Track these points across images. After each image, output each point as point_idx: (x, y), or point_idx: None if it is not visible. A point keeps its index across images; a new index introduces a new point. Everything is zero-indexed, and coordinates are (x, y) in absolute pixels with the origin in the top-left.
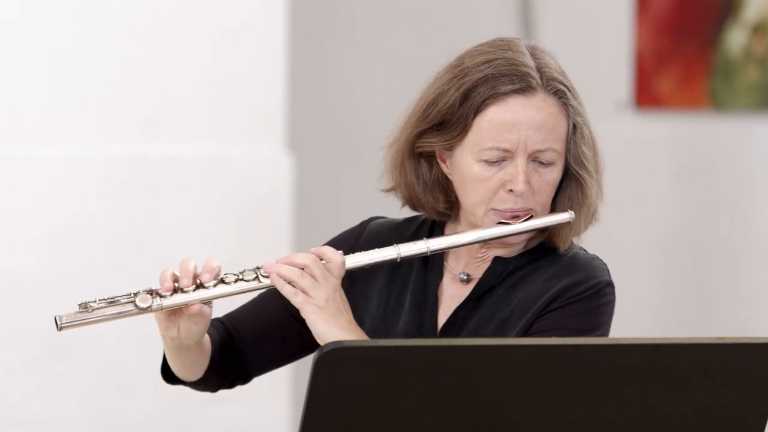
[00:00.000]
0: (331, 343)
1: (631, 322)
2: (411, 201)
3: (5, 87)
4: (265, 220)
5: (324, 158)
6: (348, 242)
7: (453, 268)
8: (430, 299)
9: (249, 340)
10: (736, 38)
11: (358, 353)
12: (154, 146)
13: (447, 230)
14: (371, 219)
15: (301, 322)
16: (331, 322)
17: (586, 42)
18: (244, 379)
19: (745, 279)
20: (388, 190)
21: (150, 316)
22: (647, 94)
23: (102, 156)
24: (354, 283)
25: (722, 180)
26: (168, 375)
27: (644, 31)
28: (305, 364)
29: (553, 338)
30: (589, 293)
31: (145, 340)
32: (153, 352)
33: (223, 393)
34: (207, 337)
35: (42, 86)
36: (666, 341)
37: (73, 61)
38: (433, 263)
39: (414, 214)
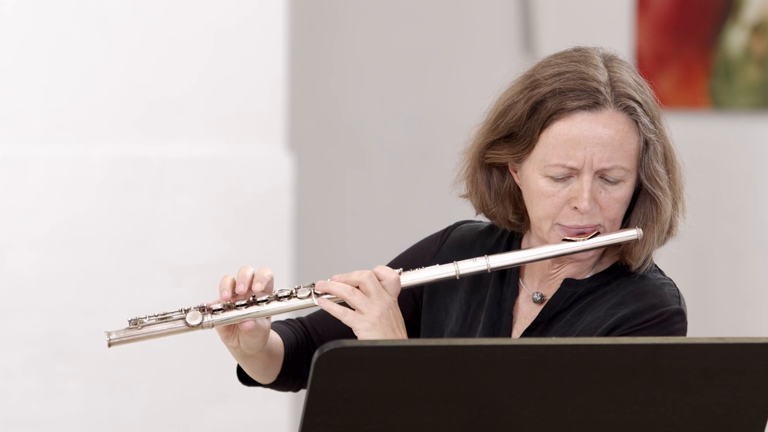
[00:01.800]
0: (331, 342)
1: None
2: (483, 210)
3: (5, 87)
4: (265, 220)
5: (324, 158)
6: (431, 249)
7: (528, 287)
8: (505, 318)
9: (327, 341)
10: (736, 38)
11: (358, 353)
12: (154, 146)
13: (523, 242)
14: (457, 224)
15: None
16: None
17: (586, 42)
18: None
19: (745, 279)
20: (465, 196)
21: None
22: None
23: (102, 156)
24: (434, 295)
25: (722, 180)
26: (243, 377)
27: (644, 31)
28: None
29: (553, 338)
30: (655, 322)
31: (145, 340)
32: (153, 352)
33: (223, 393)
34: (278, 342)
35: (42, 86)
36: (666, 341)
37: (73, 61)
38: (510, 279)
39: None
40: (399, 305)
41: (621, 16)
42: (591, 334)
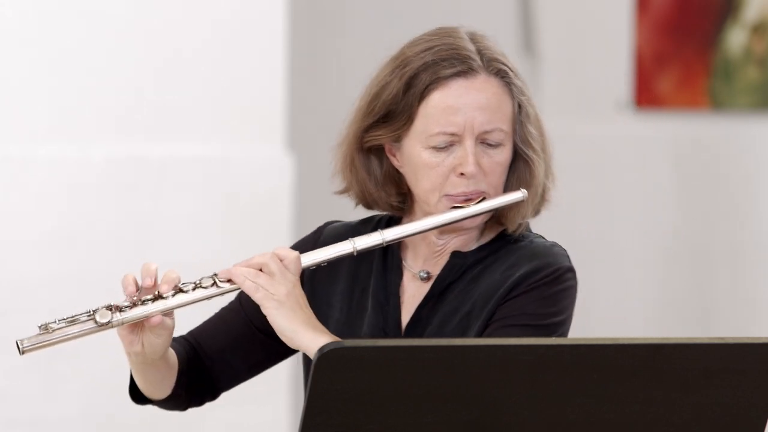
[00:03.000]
0: (331, 342)
1: (632, 322)
2: (364, 199)
3: (6, 87)
4: (265, 220)
5: (324, 158)
6: (306, 247)
7: (412, 267)
8: (392, 300)
9: (214, 354)
10: (736, 38)
11: (358, 353)
12: (154, 146)
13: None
14: (327, 223)
15: (265, 332)
16: (291, 317)
17: (586, 42)
18: (213, 394)
19: (745, 279)
20: (342, 192)
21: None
22: (647, 94)
23: (102, 156)
24: (315, 291)
25: (722, 180)
26: (136, 395)
27: (644, 31)
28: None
29: (553, 338)
30: (549, 279)
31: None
32: None
33: (223, 393)
34: (173, 353)
35: (42, 86)
36: (666, 341)
37: (73, 61)
38: (392, 263)
39: (369, 214)
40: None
41: (621, 16)
42: (490, 298)
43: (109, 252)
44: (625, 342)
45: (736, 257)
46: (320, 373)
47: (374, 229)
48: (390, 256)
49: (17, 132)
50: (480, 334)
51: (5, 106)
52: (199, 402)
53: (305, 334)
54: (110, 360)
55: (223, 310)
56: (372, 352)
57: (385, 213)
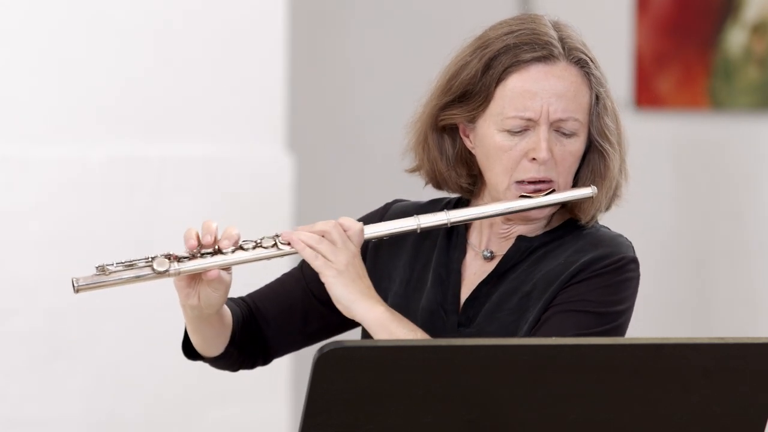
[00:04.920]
0: (331, 342)
1: (632, 322)
2: (434, 178)
3: (6, 87)
4: (265, 220)
5: (324, 158)
6: (371, 222)
7: (476, 246)
8: (453, 276)
9: (270, 318)
10: (736, 38)
11: (358, 353)
12: (154, 146)
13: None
14: (395, 201)
15: (323, 302)
16: (350, 286)
17: (586, 42)
18: (265, 359)
19: (745, 279)
20: (413, 170)
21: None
22: (647, 94)
23: (102, 156)
24: (377, 264)
25: (722, 180)
26: (189, 351)
27: (644, 31)
28: (305, 364)
29: (553, 338)
30: (613, 267)
31: (146, 340)
32: (153, 352)
33: (223, 393)
34: (228, 311)
35: (42, 86)
36: (666, 341)
37: (73, 61)
38: (456, 240)
39: (437, 196)
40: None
41: (621, 16)
42: (553, 281)
43: (109, 252)
44: (625, 342)
45: (736, 257)
46: (320, 373)
47: (441, 209)
48: (455, 233)
49: (17, 132)
50: (539, 316)
51: (5, 106)
52: (250, 365)
53: (362, 304)
54: (110, 360)
55: (285, 275)
56: (372, 352)
57: (453, 195)
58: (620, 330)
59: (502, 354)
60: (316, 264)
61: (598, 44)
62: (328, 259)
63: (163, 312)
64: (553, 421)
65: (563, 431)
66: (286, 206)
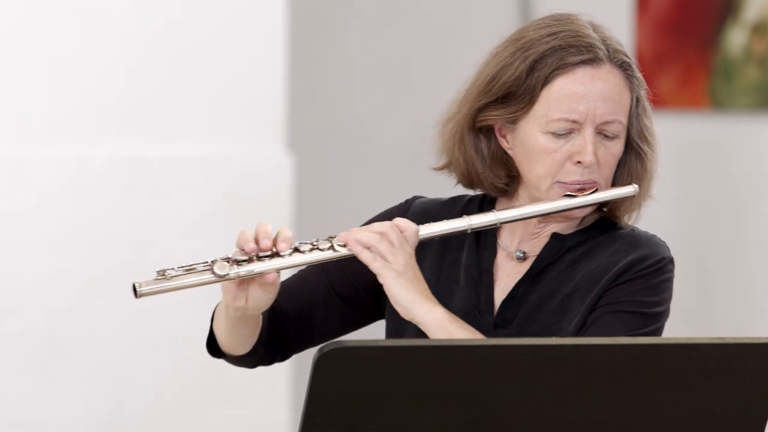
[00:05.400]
0: (331, 342)
1: None
2: (468, 177)
3: (5, 87)
4: (265, 220)
5: (324, 158)
6: (392, 217)
7: (507, 246)
8: (485, 276)
9: (292, 316)
10: (736, 38)
11: (358, 353)
12: (154, 146)
13: (497, 207)
14: (415, 197)
15: (344, 300)
16: (409, 287)
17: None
18: (284, 355)
19: (745, 279)
20: (441, 168)
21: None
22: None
23: (102, 156)
24: None
25: (722, 180)
26: (212, 348)
27: (644, 31)
28: (305, 364)
29: (553, 338)
30: (655, 268)
31: (146, 340)
32: (153, 352)
33: (223, 393)
34: None
35: (42, 86)
36: (666, 341)
37: (73, 61)
38: (486, 240)
39: (460, 193)
40: (365, 269)
41: (621, 16)
42: (596, 282)
43: (109, 252)
44: (625, 342)
45: (736, 257)
46: (320, 373)
47: (465, 207)
48: (483, 232)
49: (17, 132)
50: (584, 317)
51: (5, 106)
52: (269, 361)
53: (421, 305)
54: (110, 360)
55: (304, 272)
56: (372, 352)
57: (478, 192)
58: (661, 331)
59: (502, 354)
60: (375, 265)
61: None
62: (387, 261)
63: (163, 312)
64: (553, 421)
65: (563, 431)
66: (286, 206)
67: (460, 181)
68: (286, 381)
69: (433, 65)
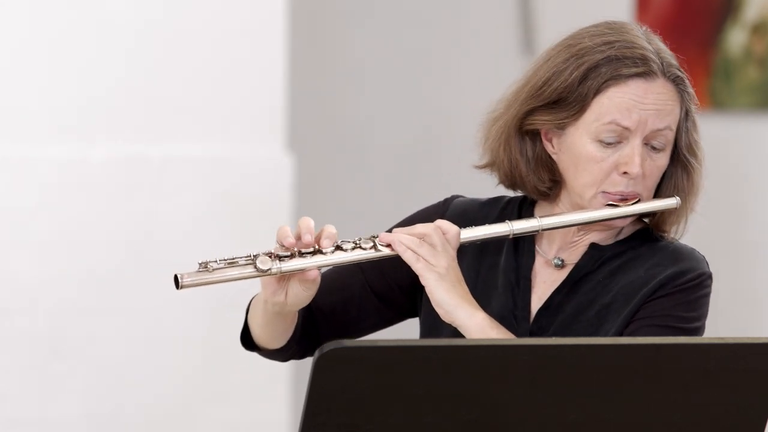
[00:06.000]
0: (331, 342)
1: None
2: (511, 178)
3: (5, 87)
4: (265, 220)
5: (324, 158)
6: (432, 219)
7: (545, 253)
8: (522, 282)
9: (327, 312)
10: (736, 38)
11: (358, 353)
12: (154, 146)
13: (537, 210)
14: (453, 197)
15: (381, 298)
16: (451, 291)
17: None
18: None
19: (746, 279)
20: (484, 167)
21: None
22: None
23: (102, 156)
24: None
25: (722, 180)
26: (246, 341)
27: None
28: (305, 364)
29: (553, 338)
30: (694, 283)
31: (146, 340)
32: (153, 352)
33: (223, 393)
34: None
35: (42, 86)
36: (666, 341)
37: (73, 61)
38: (524, 246)
39: (496, 195)
40: (402, 267)
41: (621, 16)
42: (634, 294)
43: (109, 252)
44: (625, 342)
45: (736, 257)
46: (320, 373)
47: (503, 211)
48: (522, 238)
49: (17, 132)
50: (621, 328)
51: (5, 106)
52: (301, 356)
53: (463, 309)
54: (110, 360)
55: (340, 269)
56: (372, 352)
57: (518, 194)
58: None
59: (502, 354)
60: (418, 267)
61: None
62: (430, 263)
63: (163, 312)
64: (553, 421)
65: (563, 431)
66: (286, 206)
67: (501, 182)
68: (286, 381)
69: (433, 65)
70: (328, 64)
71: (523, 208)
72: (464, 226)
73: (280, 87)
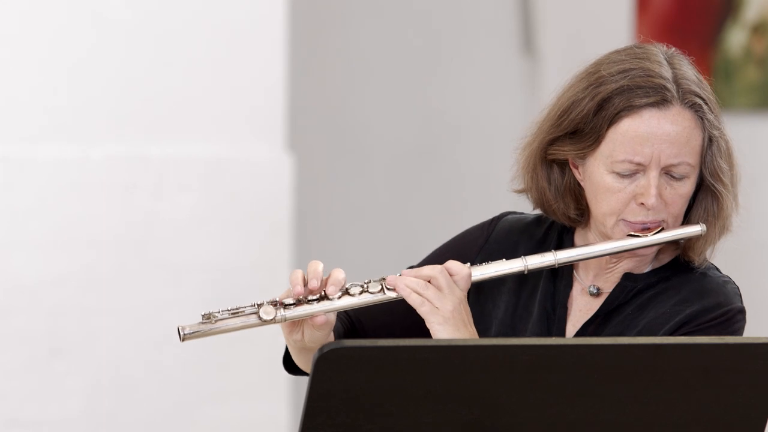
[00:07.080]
0: (331, 342)
1: None
2: (542, 205)
3: (6, 87)
4: (265, 220)
5: (324, 158)
6: (478, 241)
7: (582, 280)
8: (559, 310)
9: (369, 331)
10: (736, 38)
11: (358, 353)
12: (154, 146)
13: (576, 236)
14: (503, 214)
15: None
16: (455, 334)
17: (586, 42)
18: None
19: (746, 279)
20: (520, 191)
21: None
22: None
23: (102, 156)
24: (482, 287)
25: None
26: (289, 365)
27: (644, 31)
28: None
29: (553, 338)
30: (720, 321)
31: (146, 341)
32: (153, 352)
33: (223, 393)
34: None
35: (43, 86)
36: (666, 341)
37: (73, 61)
38: (563, 272)
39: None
40: None
41: (621, 16)
42: (656, 331)
43: (109, 252)
44: (625, 342)
45: (736, 257)
46: (320, 373)
47: (547, 233)
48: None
49: (17, 132)
50: None
51: (5, 106)
52: None
53: None
54: (110, 360)
55: None
56: (372, 352)
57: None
58: None
59: (502, 354)
60: (423, 310)
61: (598, 44)
62: (435, 306)
63: (163, 312)
64: (553, 421)
65: (563, 431)
66: (286, 206)
67: (536, 207)
68: (286, 381)
69: (433, 66)
70: (328, 64)
71: (564, 232)
72: (510, 248)
73: (280, 87)
